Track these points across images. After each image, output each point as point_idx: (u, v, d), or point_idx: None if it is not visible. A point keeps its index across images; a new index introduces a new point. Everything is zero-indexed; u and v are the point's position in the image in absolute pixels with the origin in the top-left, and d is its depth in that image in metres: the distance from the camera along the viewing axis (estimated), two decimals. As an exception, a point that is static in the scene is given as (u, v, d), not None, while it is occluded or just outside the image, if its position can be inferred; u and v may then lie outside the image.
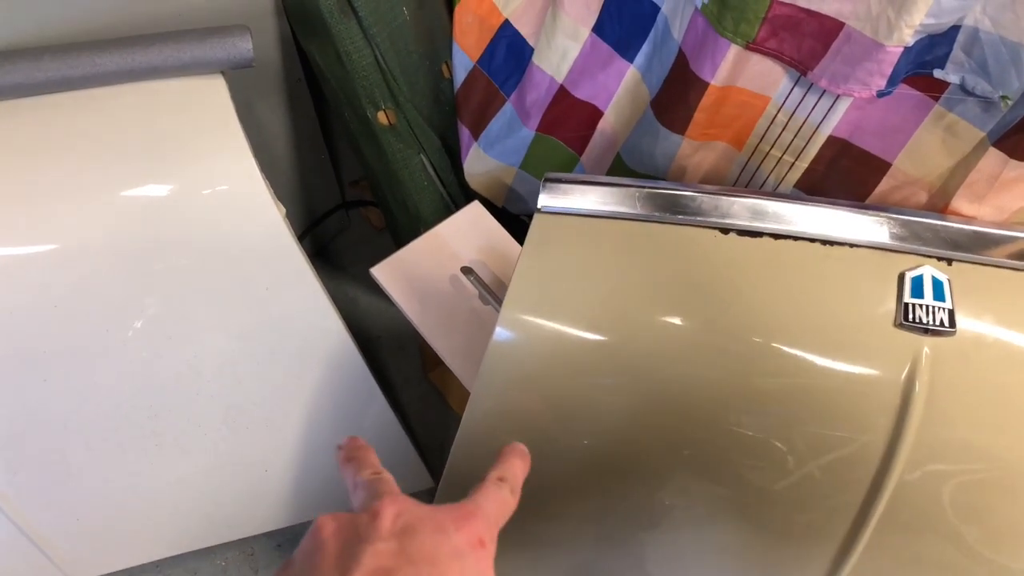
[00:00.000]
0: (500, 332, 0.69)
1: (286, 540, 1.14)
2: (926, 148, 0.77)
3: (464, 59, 1.06)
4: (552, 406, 0.71)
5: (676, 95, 0.86)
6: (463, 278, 0.91)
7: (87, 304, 0.75)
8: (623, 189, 0.70)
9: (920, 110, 0.75)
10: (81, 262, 0.72)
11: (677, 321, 0.66)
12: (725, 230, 0.68)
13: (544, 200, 0.71)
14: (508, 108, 1.05)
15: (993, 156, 0.72)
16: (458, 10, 1.03)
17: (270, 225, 0.75)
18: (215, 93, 0.75)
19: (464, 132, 1.09)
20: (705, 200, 0.68)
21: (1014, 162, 0.71)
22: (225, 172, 0.73)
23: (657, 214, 0.68)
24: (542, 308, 0.69)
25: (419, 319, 0.90)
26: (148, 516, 0.99)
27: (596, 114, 0.98)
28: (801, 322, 0.66)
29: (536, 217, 0.71)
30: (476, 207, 0.97)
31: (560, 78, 0.98)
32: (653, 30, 0.90)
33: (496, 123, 1.06)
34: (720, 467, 0.69)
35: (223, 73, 0.77)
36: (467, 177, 1.10)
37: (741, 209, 0.68)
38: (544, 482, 0.72)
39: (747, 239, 0.67)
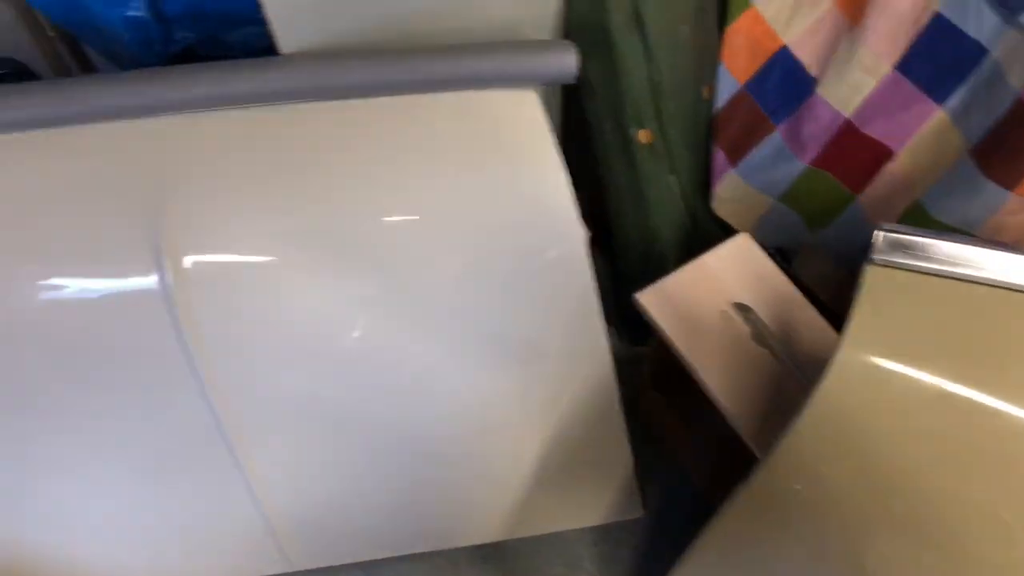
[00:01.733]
0: (827, 388, 0.64)
1: (490, 553, 1.12)
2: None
3: (730, 81, 1.01)
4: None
5: (1012, 147, 0.79)
6: (733, 313, 0.87)
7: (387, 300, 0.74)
8: (969, 248, 0.64)
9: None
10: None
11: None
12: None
13: (880, 251, 0.66)
14: (776, 137, 0.99)
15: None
16: (730, 30, 0.99)
17: (574, 243, 0.73)
18: (530, 106, 0.73)
19: (719, 156, 1.04)
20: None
21: None
22: (537, 185, 0.71)
23: (1001, 279, 0.62)
24: (887, 367, 0.64)
25: (687, 351, 0.86)
26: (377, 515, 0.98)
27: (885, 154, 0.92)
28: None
29: (870, 269, 0.66)
30: (745, 239, 0.93)
31: (848, 113, 0.93)
32: (974, 73, 0.83)
33: (760, 151, 1.01)
34: None
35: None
36: (715, 202, 1.06)
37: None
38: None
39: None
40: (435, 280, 0.75)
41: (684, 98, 1.00)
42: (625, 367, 1.09)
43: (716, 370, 0.85)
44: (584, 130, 1.07)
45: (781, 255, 1.06)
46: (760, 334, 0.84)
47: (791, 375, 0.83)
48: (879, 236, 0.66)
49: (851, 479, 0.69)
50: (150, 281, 0.71)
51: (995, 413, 0.61)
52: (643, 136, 0.99)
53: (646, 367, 1.17)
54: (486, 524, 1.02)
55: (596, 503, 1.02)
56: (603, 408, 0.92)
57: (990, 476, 0.63)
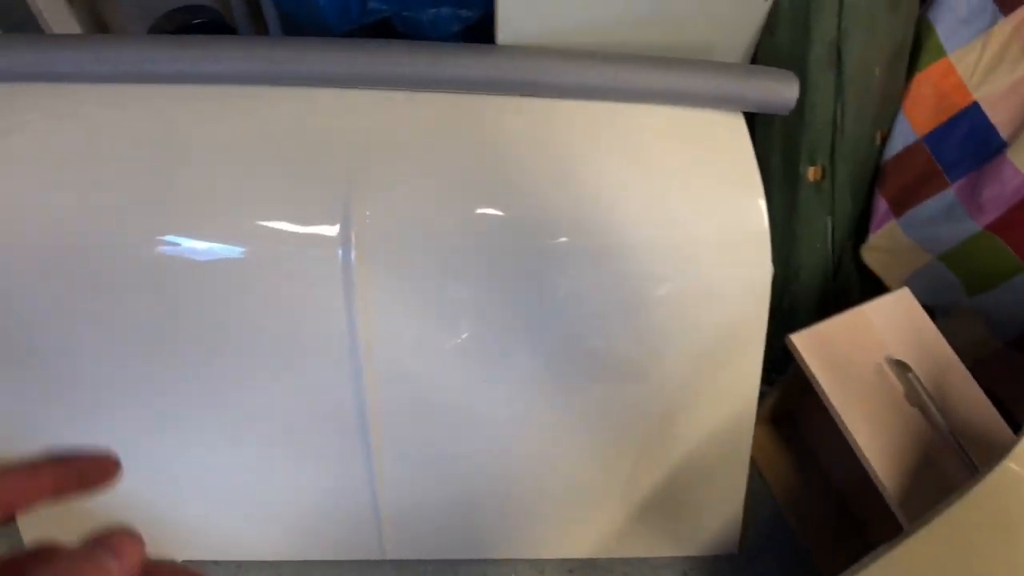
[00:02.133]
0: (997, 478, 0.62)
1: (577, 567, 1.11)
2: None
3: (907, 130, 0.98)
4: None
5: None
6: (889, 369, 0.84)
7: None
8: None
9: None
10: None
11: None
12: None
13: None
14: (949, 194, 0.96)
15: None
16: (918, 78, 0.96)
17: (761, 277, 0.71)
18: (739, 131, 0.71)
19: (881, 204, 1.01)
20: None
21: None
22: (737, 212, 0.69)
23: None
24: None
25: (836, 400, 0.84)
26: (477, 516, 0.98)
27: (1072, 226, 0.88)
28: None
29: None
30: (907, 295, 0.90)
31: None
32: None
33: (928, 206, 0.98)
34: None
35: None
36: (866, 250, 1.03)
37: None
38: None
39: None
40: (610, 292, 0.74)
41: (859, 141, 0.97)
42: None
43: (864, 424, 0.82)
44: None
45: (928, 313, 1.03)
46: (916, 394, 0.81)
47: (946, 442, 0.80)
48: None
49: (1009, 565, 0.67)
50: (332, 243, 0.71)
51: None
52: (812, 173, 0.97)
53: (766, 404, 1.15)
54: (582, 539, 1.01)
55: (696, 535, 1.01)
56: (734, 445, 0.91)
57: None
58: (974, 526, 0.67)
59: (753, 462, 1.16)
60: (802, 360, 0.85)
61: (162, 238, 0.72)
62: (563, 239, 0.71)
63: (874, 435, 0.81)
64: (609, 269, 0.73)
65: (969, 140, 0.95)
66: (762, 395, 1.05)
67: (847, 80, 0.88)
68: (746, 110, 0.75)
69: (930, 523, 0.68)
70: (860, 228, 1.06)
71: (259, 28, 1.07)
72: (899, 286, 1.05)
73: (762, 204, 0.69)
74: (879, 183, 1.01)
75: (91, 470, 0.34)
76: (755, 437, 1.21)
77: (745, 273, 0.72)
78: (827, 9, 0.84)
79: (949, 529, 0.68)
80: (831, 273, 1.09)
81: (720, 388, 0.84)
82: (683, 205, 0.70)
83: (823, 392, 0.84)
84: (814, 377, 0.84)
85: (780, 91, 0.70)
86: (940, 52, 0.96)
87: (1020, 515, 0.65)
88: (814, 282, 1.07)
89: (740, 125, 0.73)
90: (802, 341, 0.86)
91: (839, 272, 1.09)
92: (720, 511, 1.01)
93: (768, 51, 0.91)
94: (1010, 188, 0.91)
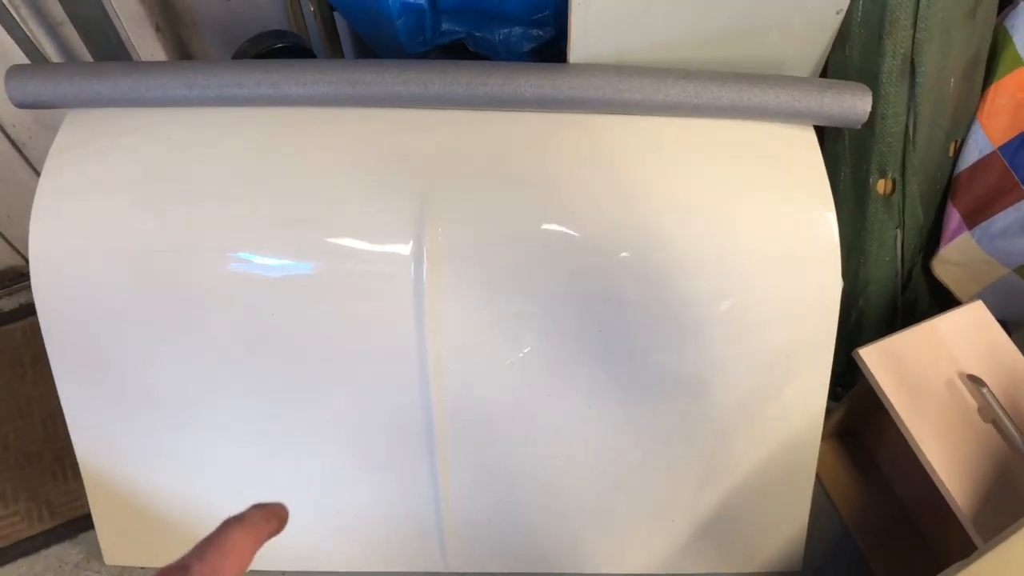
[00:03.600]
0: None
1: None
2: None
3: (983, 141, 0.96)
4: None
5: None
6: (962, 384, 0.83)
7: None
8: None
9: None
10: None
11: None
12: None
13: None
14: (1025, 205, 0.94)
15: None
16: (993, 89, 0.94)
17: (830, 292, 0.70)
18: (810, 145, 0.71)
19: (954, 216, 1.00)
20: None
21: None
22: (809, 227, 0.69)
23: None
24: None
25: (906, 416, 0.83)
26: (538, 531, 0.98)
27: None
28: None
29: None
30: (981, 308, 0.88)
31: None
32: None
33: (1004, 218, 0.95)
34: None
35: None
36: (938, 262, 1.01)
37: None
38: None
39: None
40: (675, 307, 0.75)
41: (931, 152, 0.96)
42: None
43: (935, 440, 0.81)
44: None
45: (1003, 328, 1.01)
46: (991, 411, 0.80)
47: (1021, 459, 0.78)
48: None
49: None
50: (405, 260, 0.73)
51: None
52: (882, 186, 0.96)
53: (833, 419, 1.13)
54: (644, 554, 1.01)
55: (760, 551, 1.00)
56: (800, 461, 0.90)
57: None
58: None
59: (818, 478, 1.15)
60: (870, 375, 0.84)
61: (239, 255, 0.75)
62: (626, 254, 0.72)
63: (945, 452, 0.80)
64: (674, 284, 0.74)
65: (1047, 151, 0.93)
66: (828, 411, 1.04)
67: (921, 91, 0.87)
68: (818, 123, 0.75)
69: (1006, 541, 0.67)
70: (931, 241, 1.05)
71: (335, 51, 1.11)
72: (971, 300, 1.03)
73: (832, 218, 0.69)
74: (952, 195, 1.00)
75: (278, 516, 0.39)
76: (820, 453, 1.20)
77: (814, 288, 0.72)
78: (901, 21, 0.83)
79: (1024, 550, 0.67)
80: (900, 287, 1.08)
81: (786, 404, 0.84)
82: (751, 219, 0.71)
83: (892, 407, 0.83)
84: (883, 392, 0.83)
85: (853, 104, 0.70)
86: (1018, 62, 0.94)
87: None
88: (883, 296, 1.06)
89: (811, 139, 0.72)
90: (871, 355, 0.85)
91: (908, 286, 1.07)
92: (784, 528, 1.00)
93: (839, 64, 0.91)
94: None
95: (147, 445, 0.85)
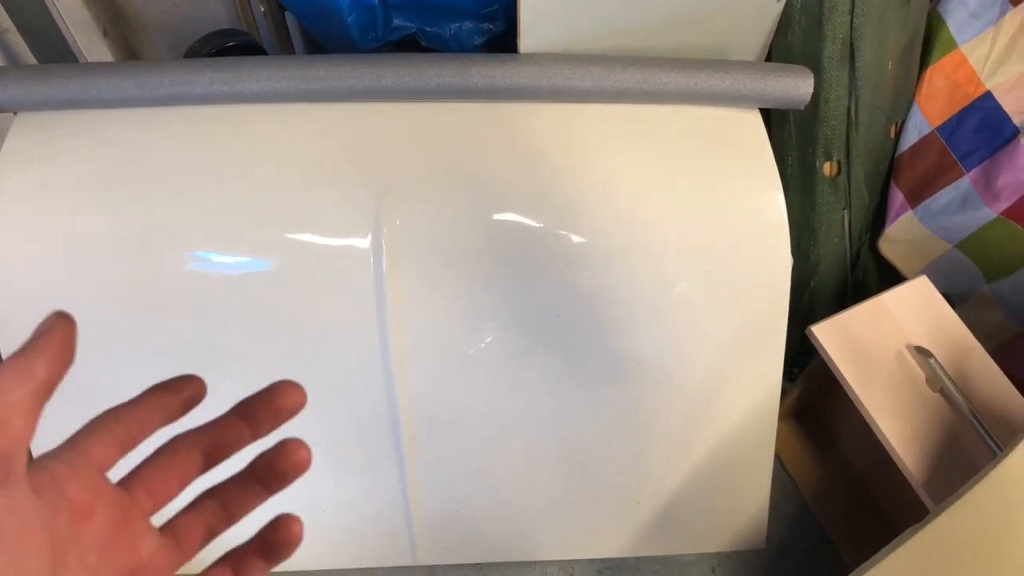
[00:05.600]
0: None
1: (607, 567, 1.12)
2: None
3: (921, 122, 1.00)
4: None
5: None
6: (910, 356, 0.86)
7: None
8: None
9: None
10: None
11: None
12: None
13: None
14: (964, 183, 0.98)
15: None
16: (930, 71, 0.98)
17: (780, 270, 0.73)
18: (755, 127, 0.73)
19: (897, 196, 1.03)
20: None
21: None
22: (757, 208, 0.71)
23: None
24: None
25: (860, 391, 0.85)
26: (507, 521, 0.99)
27: (1088, 213, 0.90)
28: None
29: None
30: (926, 283, 0.91)
31: None
32: None
33: (945, 195, 0.99)
34: None
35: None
36: (884, 241, 1.04)
37: None
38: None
39: None
40: (630, 290, 0.76)
41: (874, 135, 0.99)
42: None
43: (886, 410, 0.84)
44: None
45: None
46: (938, 380, 0.83)
47: (969, 425, 0.81)
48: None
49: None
50: (364, 253, 0.74)
51: None
52: (828, 168, 0.99)
53: (789, 398, 1.16)
54: (610, 539, 1.02)
55: (723, 530, 1.02)
56: (759, 440, 0.92)
57: None
58: (999, 506, 0.68)
59: (777, 457, 1.17)
60: (823, 350, 0.87)
61: (196, 254, 0.75)
62: (581, 240, 0.73)
63: (897, 421, 0.83)
64: (628, 268, 0.75)
65: (983, 129, 0.97)
66: (784, 391, 1.07)
67: (861, 75, 0.90)
68: (763, 106, 0.77)
69: (955, 505, 0.70)
70: (877, 221, 1.08)
71: (286, 50, 1.10)
72: (916, 276, 1.06)
73: (779, 197, 0.71)
74: (894, 175, 1.03)
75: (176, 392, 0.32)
76: (778, 432, 1.23)
77: (764, 266, 0.74)
78: (839, 7, 0.86)
79: (974, 510, 0.69)
80: (849, 267, 1.11)
81: (743, 383, 0.86)
82: (701, 202, 0.72)
83: (844, 380, 0.85)
84: (835, 366, 0.86)
85: (796, 86, 0.72)
86: (952, 44, 0.97)
87: None
88: (833, 276, 1.09)
89: (757, 121, 0.75)
90: (823, 332, 0.88)
91: (857, 265, 1.11)
92: (746, 507, 1.02)
93: (782, 50, 0.93)
94: None
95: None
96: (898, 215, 1.03)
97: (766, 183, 0.72)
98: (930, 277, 1.05)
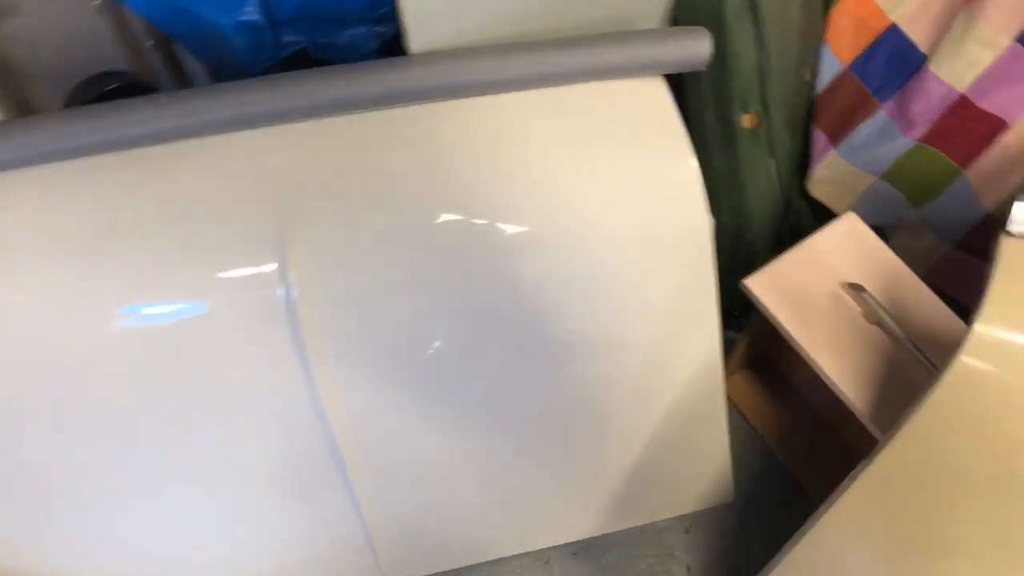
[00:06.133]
0: (960, 365, 0.64)
1: (581, 548, 1.12)
2: None
3: (834, 62, 1.01)
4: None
5: None
6: (845, 294, 0.87)
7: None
8: None
9: None
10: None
11: None
12: None
13: (1019, 222, 0.65)
14: (881, 115, 0.99)
15: None
16: (835, 11, 0.99)
17: (701, 232, 0.73)
18: (662, 95, 0.73)
19: (820, 137, 1.04)
20: None
21: None
22: (669, 173, 0.71)
23: None
24: (1016, 347, 0.64)
25: (799, 335, 0.86)
26: (470, 522, 0.98)
27: (999, 127, 0.91)
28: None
29: (1007, 241, 0.65)
30: (853, 219, 0.92)
31: (962, 87, 0.92)
32: None
33: (863, 130, 1.00)
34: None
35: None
36: (812, 183, 1.05)
37: None
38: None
39: None
40: (562, 274, 0.76)
41: (788, 82, 1.00)
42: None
43: (829, 352, 0.85)
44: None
45: (878, 233, 1.06)
46: (874, 313, 0.84)
47: (907, 353, 0.83)
48: (1020, 207, 0.65)
49: (982, 456, 0.69)
50: (271, 283, 0.72)
51: None
52: (747, 121, 0.99)
53: (738, 351, 1.17)
54: (579, 521, 1.02)
55: (690, 491, 1.02)
56: (708, 396, 0.93)
57: None
58: (942, 426, 0.69)
59: (738, 409, 1.19)
60: (758, 301, 0.88)
61: (113, 310, 0.72)
62: (505, 230, 0.72)
63: (838, 359, 0.84)
64: (557, 252, 0.75)
65: (893, 60, 0.98)
66: (733, 344, 1.08)
67: (766, 24, 0.90)
68: (666, 72, 0.76)
69: (900, 432, 0.71)
70: (804, 165, 1.09)
71: (183, 83, 1.07)
72: (845, 213, 1.07)
73: (690, 160, 0.71)
74: (814, 118, 1.04)
75: None
76: (734, 384, 1.24)
77: (686, 231, 0.75)
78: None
79: (920, 433, 0.71)
80: (782, 214, 1.12)
81: (683, 345, 0.86)
82: (615, 176, 0.72)
83: (782, 327, 0.86)
84: (772, 316, 0.87)
85: (694, 47, 0.73)
86: (854, -18, 0.98)
87: (984, 407, 0.67)
88: (768, 226, 1.10)
89: (661, 88, 0.75)
90: (756, 283, 0.89)
91: (790, 211, 1.12)
92: (708, 464, 1.03)
93: (687, 9, 0.93)
94: (936, 99, 0.94)
95: (40, 520, 0.81)
96: (822, 155, 1.04)
97: (676, 149, 0.72)
98: (861, 211, 1.07)
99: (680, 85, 1.07)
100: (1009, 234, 0.66)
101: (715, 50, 0.92)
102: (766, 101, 0.98)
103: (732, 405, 1.28)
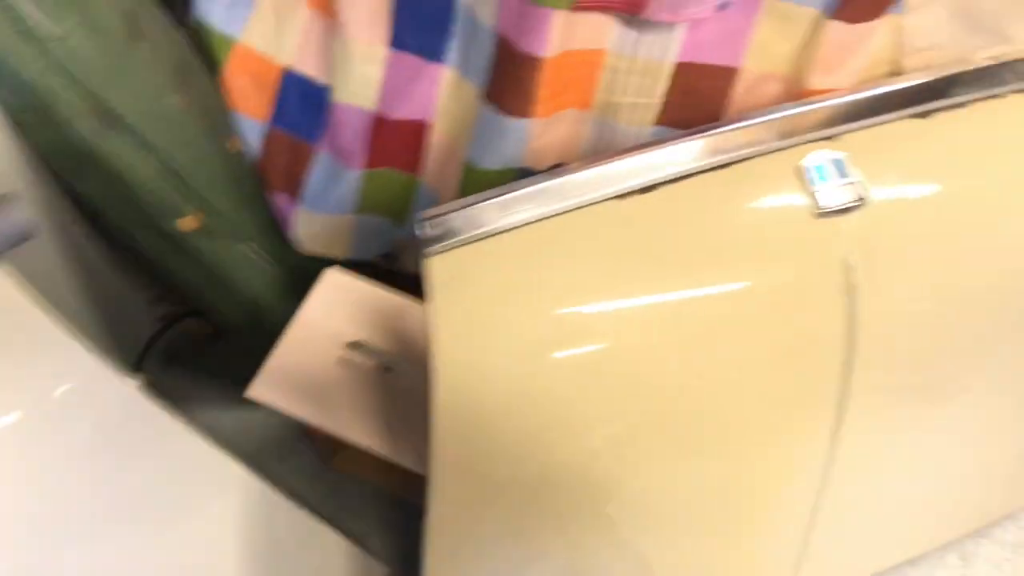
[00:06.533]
0: (444, 394, 0.61)
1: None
2: (767, 41, 0.78)
3: (252, 124, 0.95)
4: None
5: (510, 80, 0.81)
6: (351, 356, 0.81)
7: None
8: (506, 197, 0.63)
9: (750, 7, 0.74)
10: None
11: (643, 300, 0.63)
12: (623, 195, 0.62)
13: (429, 241, 0.62)
14: (323, 156, 0.95)
15: (834, 28, 0.75)
16: (227, 76, 0.93)
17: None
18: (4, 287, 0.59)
19: (280, 199, 0.98)
20: (591, 175, 0.63)
21: (853, 26, 0.75)
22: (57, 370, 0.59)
23: (553, 207, 0.62)
24: (488, 343, 0.63)
25: (322, 420, 0.80)
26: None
27: (423, 129, 0.91)
28: (731, 248, 0.66)
29: (427, 262, 0.62)
30: (333, 274, 0.87)
31: (371, 106, 0.90)
32: (457, 23, 0.84)
33: (313, 177, 0.96)
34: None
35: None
36: (298, 243, 1.00)
37: (627, 171, 0.63)
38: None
39: (647, 195, 0.62)
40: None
41: (215, 164, 0.92)
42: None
43: (359, 420, 0.79)
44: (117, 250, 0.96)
45: (387, 260, 1.02)
46: (385, 362, 0.79)
47: (417, 388, 0.78)
48: (424, 227, 0.62)
49: (506, 462, 0.66)
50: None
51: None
52: (189, 223, 0.89)
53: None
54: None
55: None
56: (281, 520, 0.82)
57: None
58: (456, 437, 0.65)
59: (365, 478, 1.09)
60: (272, 406, 0.79)
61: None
62: None
63: (370, 422, 0.80)
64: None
65: (304, 102, 0.94)
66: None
67: (142, 129, 0.81)
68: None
69: (432, 452, 0.66)
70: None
71: None
72: (349, 252, 1.02)
73: (77, 345, 0.58)
74: (265, 183, 0.98)
75: None
76: (339, 467, 1.12)
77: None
78: (57, 86, 0.74)
79: (446, 459, 0.67)
80: (289, 282, 1.03)
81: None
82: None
83: (307, 421, 0.79)
84: (292, 414, 0.79)
85: (11, 225, 0.60)
86: (229, 42, 0.92)
87: (482, 398, 0.64)
88: (280, 300, 1.00)
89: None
90: (260, 388, 0.81)
91: (295, 276, 1.03)
92: (330, 555, 0.91)
93: (45, 152, 0.81)
94: (355, 125, 0.92)
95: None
96: (290, 215, 0.98)
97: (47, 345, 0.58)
98: (359, 248, 1.02)
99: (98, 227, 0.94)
100: (428, 255, 0.63)
101: (103, 179, 0.82)
102: (200, 195, 0.89)
103: (356, 479, 1.18)
